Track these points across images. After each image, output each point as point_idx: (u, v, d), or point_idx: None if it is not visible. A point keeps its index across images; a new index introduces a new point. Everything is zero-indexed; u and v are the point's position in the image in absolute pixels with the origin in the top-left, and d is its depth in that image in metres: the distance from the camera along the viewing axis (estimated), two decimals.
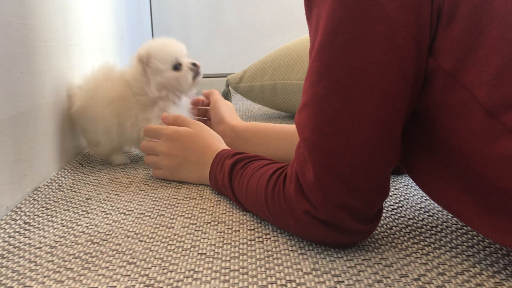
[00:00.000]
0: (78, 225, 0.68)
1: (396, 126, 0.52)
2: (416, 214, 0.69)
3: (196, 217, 0.70)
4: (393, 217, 0.68)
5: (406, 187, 0.81)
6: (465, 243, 0.60)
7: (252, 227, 0.66)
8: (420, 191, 0.78)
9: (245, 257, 0.57)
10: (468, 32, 0.50)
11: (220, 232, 0.64)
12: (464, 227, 0.64)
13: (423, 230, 0.64)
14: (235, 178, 0.70)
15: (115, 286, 0.52)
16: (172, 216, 0.70)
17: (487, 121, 0.48)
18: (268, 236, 0.63)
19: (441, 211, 0.70)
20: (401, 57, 0.50)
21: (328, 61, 0.52)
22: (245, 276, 0.53)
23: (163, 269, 0.55)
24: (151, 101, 0.95)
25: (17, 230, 0.67)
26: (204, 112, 1.05)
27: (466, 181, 0.51)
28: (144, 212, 0.73)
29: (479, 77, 0.49)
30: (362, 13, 0.50)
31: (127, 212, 0.73)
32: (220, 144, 0.83)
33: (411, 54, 0.51)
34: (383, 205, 0.59)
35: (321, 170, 0.52)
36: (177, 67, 0.94)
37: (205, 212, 0.72)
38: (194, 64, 0.95)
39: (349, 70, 0.51)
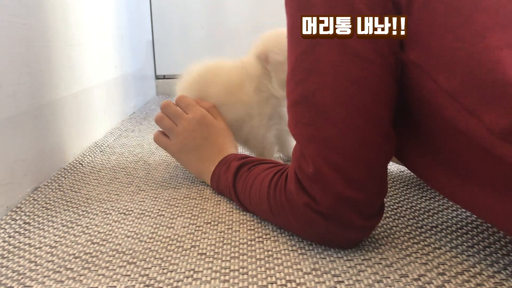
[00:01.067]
0: (78, 225, 0.68)
1: (384, 112, 0.54)
2: (416, 214, 0.69)
3: (196, 217, 0.70)
4: (393, 217, 0.68)
5: (406, 187, 0.81)
6: (465, 243, 0.60)
7: (252, 227, 0.66)
8: (420, 191, 0.78)
9: (245, 257, 0.57)
10: (422, 23, 0.52)
11: (220, 232, 0.64)
12: (464, 227, 0.64)
13: (423, 230, 0.64)
14: (240, 179, 0.71)
15: (115, 286, 0.52)
16: (172, 216, 0.70)
17: (453, 105, 0.50)
18: (268, 236, 0.63)
19: (441, 211, 0.70)
20: (378, 48, 0.53)
21: (315, 58, 0.55)
22: (245, 276, 0.53)
23: (163, 269, 0.55)
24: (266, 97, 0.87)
25: (17, 230, 0.67)
26: None
27: (451, 166, 0.53)
28: (144, 212, 0.73)
29: (439, 64, 0.51)
30: (335, 13, 0.54)
31: (127, 212, 0.73)
32: (234, 149, 0.83)
33: (385, 45, 0.53)
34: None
35: (318, 162, 0.54)
36: None
37: (205, 212, 0.72)
38: None
39: (333, 62, 0.54)
